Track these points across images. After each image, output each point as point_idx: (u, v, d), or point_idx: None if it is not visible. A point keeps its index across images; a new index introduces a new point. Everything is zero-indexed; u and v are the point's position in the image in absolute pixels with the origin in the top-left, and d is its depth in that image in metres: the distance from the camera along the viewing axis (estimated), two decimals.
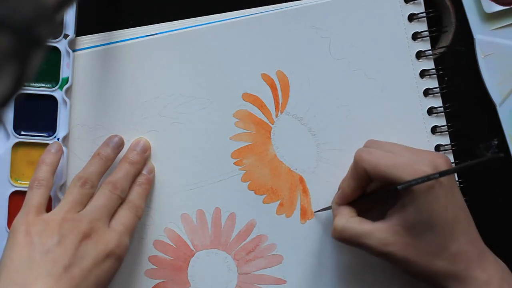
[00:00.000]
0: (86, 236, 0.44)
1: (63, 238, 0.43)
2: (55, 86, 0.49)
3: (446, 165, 0.45)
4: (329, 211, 0.50)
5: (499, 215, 0.49)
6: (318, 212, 0.51)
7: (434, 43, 0.53)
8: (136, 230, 0.51)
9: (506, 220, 0.52)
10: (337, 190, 0.51)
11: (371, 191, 0.48)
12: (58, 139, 0.49)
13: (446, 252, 0.44)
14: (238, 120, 0.51)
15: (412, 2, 0.52)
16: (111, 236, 0.45)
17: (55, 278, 0.42)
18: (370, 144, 0.48)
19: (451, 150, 0.52)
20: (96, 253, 0.44)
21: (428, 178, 0.41)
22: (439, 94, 0.52)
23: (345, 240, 0.47)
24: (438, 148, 0.52)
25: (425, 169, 0.43)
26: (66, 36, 0.49)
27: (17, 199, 0.49)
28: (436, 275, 0.45)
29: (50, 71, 0.49)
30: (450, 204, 0.44)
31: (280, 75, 0.51)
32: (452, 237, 0.44)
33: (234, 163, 0.51)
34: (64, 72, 0.50)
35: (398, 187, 0.42)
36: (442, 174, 0.41)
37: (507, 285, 0.45)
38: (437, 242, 0.44)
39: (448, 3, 0.52)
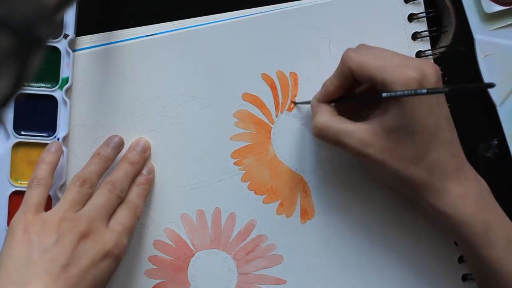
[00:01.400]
0: (84, 235, 0.44)
1: (61, 237, 0.43)
2: (55, 86, 0.49)
3: (434, 75, 0.44)
4: (308, 106, 0.50)
5: None
6: (299, 105, 0.51)
7: (434, 43, 0.53)
8: (136, 230, 0.51)
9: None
10: (337, 190, 0.51)
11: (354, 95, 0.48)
12: (58, 139, 0.49)
13: (423, 160, 0.44)
14: (238, 120, 0.51)
15: (412, 2, 0.52)
16: (109, 236, 0.45)
17: (53, 277, 0.42)
18: (360, 47, 0.47)
19: None
20: (94, 253, 0.44)
21: (415, 92, 0.41)
22: None
23: (325, 138, 0.46)
24: None
25: (413, 74, 0.42)
26: (66, 36, 0.49)
27: (17, 199, 0.49)
28: (411, 183, 0.45)
29: (50, 71, 0.49)
30: (434, 113, 0.44)
31: (280, 75, 0.51)
32: (431, 145, 0.44)
33: (234, 163, 0.51)
34: (64, 72, 0.50)
35: (383, 94, 0.42)
36: (431, 91, 0.41)
37: (482, 202, 0.45)
38: (415, 148, 0.44)
39: (448, 3, 0.52)
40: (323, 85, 0.48)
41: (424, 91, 0.41)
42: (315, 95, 0.48)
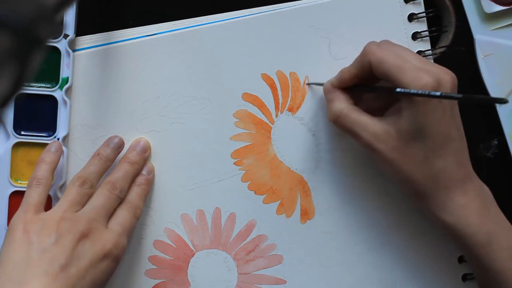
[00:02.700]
0: (84, 235, 0.44)
1: (60, 237, 0.43)
2: (55, 86, 0.49)
3: (450, 83, 0.44)
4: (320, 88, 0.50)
5: None
6: (311, 85, 0.51)
7: (434, 43, 0.53)
8: (136, 230, 0.51)
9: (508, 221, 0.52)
10: (337, 190, 0.51)
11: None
12: (58, 139, 0.49)
13: (430, 166, 0.44)
14: (238, 120, 0.51)
15: (412, 2, 0.52)
16: (108, 237, 0.45)
17: (52, 277, 0.42)
18: (383, 42, 0.47)
19: None
20: (93, 253, 0.44)
21: (428, 94, 0.41)
22: None
23: (340, 125, 0.47)
24: None
25: (429, 80, 0.42)
26: (66, 36, 0.49)
27: (17, 199, 0.49)
28: (415, 187, 0.45)
29: (50, 71, 0.49)
30: (446, 120, 0.44)
31: (280, 75, 0.51)
32: (439, 152, 0.44)
33: (234, 163, 0.51)
34: (64, 72, 0.50)
35: (397, 89, 0.42)
36: (444, 96, 0.41)
37: (486, 212, 0.45)
38: (424, 153, 0.44)
39: (448, 3, 0.52)
40: (340, 71, 0.48)
41: (438, 93, 0.41)
42: (329, 79, 0.49)
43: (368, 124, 0.45)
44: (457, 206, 0.45)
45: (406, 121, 0.44)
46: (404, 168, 0.45)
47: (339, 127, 0.47)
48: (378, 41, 0.47)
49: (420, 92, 0.42)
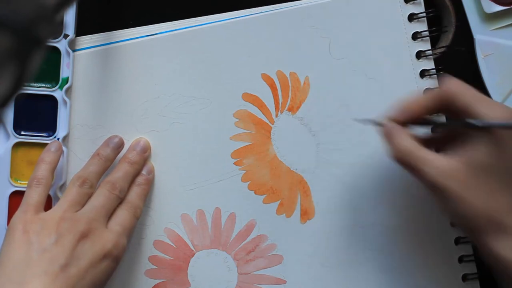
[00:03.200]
0: (84, 236, 0.44)
1: (60, 238, 0.43)
2: (55, 86, 0.49)
3: None
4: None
5: None
6: (358, 120, 0.49)
7: (434, 43, 0.53)
8: (136, 230, 0.51)
9: None
10: (337, 190, 0.51)
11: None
12: (58, 139, 0.49)
13: (500, 197, 0.42)
14: (238, 120, 0.51)
15: (412, 2, 0.52)
16: (108, 237, 0.45)
17: (52, 277, 0.42)
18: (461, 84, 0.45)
19: None
20: (93, 253, 0.44)
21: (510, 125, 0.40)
22: None
23: (405, 163, 0.44)
24: None
25: (503, 109, 0.41)
26: (66, 36, 0.49)
27: (17, 199, 0.49)
28: (479, 221, 0.43)
29: (50, 71, 0.49)
30: None
31: (280, 75, 0.51)
32: (510, 185, 0.42)
33: (234, 163, 0.51)
34: (64, 72, 0.50)
35: (481, 123, 0.41)
36: None
37: None
38: (493, 186, 0.42)
39: (448, 3, 0.52)
40: (403, 104, 0.45)
41: None
42: (385, 114, 0.46)
43: (434, 160, 0.43)
44: None
45: (482, 155, 0.42)
46: (472, 203, 0.43)
47: (402, 166, 0.44)
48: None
49: (504, 124, 0.40)
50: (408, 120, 0.45)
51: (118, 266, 0.46)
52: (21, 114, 0.50)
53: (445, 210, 0.45)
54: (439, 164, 0.43)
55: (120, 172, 0.48)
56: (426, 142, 0.45)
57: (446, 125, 0.47)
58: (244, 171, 0.51)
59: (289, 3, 0.51)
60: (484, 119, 0.41)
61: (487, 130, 0.42)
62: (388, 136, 0.45)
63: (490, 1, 0.51)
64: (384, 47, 0.52)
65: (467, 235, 0.46)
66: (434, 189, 0.43)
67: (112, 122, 0.50)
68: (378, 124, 0.46)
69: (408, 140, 0.44)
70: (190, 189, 0.51)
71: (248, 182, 0.52)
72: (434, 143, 0.46)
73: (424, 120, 0.45)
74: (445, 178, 0.43)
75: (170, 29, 0.51)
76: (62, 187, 0.50)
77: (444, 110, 0.45)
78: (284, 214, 0.52)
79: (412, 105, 0.45)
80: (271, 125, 0.52)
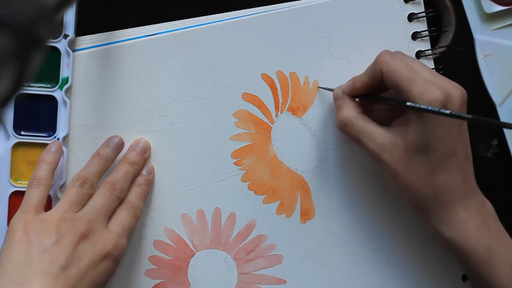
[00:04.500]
0: (84, 236, 0.44)
1: (60, 238, 0.43)
2: (55, 86, 0.49)
3: (460, 99, 0.44)
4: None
5: (499, 215, 0.49)
6: (321, 89, 0.51)
7: (434, 43, 0.53)
8: (136, 230, 0.51)
9: (507, 221, 0.52)
10: (337, 190, 0.51)
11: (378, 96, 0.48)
12: (58, 139, 0.49)
13: (433, 179, 0.44)
14: (238, 120, 0.51)
15: (412, 2, 0.52)
16: (108, 237, 0.45)
17: (52, 278, 0.42)
18: (397, 53, 0.47)
19: None
20: (93, 254, 0.44)
21: (438, 111, 0.41)
22: None
23: (347, 132, 0.47)
24: None
25: (438, 94, 0.42)
26: (66, 36, 0.49)
27: (17, 199, 0.49)
28: (418, 200, 0.45)
29: (50, 71, 0.49)
30: (453, 137, 0.44)
31: (280, 75, 0.51)
32: (443, 167, 0.44)
33: (234, 163, 0.51)
34: (64, 72, 0.49)
35: (408, 103, 0.43)
36: (454, 115, 0.41)
37: (486, 227, 0.45)
38: (428, 167, 0.44)
39: (448, 3, 0.52)
40: (352, 79, 0.48)
41: (448, 112, 0.41)
42: (340, 86, 0.49)
43: (375, 134, 0.46)
44: (458, 221, 0.45)
45: (413, 134, 0.44)
46: (407, 179, 0.45)
47: (346, 135, 0.47)
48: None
49: (430, 108, 0.42)
50: (354, 94, 0.48)
51: (118, 266, 0.46)
52: (21, 114, 0.50)
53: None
54: (379, 137, 0.45)
55: (120, 173, 0.48)
56: (377, 117, 0.47)
57: (381, 100, 0.48)
58: (244, 171, 0.51)
59: (289, 3, 0.51)
60: (415, 100, 0.43)
61: (416, 108, 0.43)
62: (336, 106, 0.48)
63: (490, 1, 0.51)
64: (384, 47, 0.51)
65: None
66: (374, 160, 0.46)
67: (112, 122, 0.50)
68: (333, 92, 0.49)
69: (351, 111, 0.47)
70: (190, 189, 0.51)
71: (248, 182, 0.52)
72: (385, 119, 0.47)
73: (366, 95, 0.48)
74: (383, 151, 0.45)
75: (170, 29, 0.51)
76: (62, 187, 0.50)
77: (386, 87, 0.47)
78: (284, 214, 0.52)
79: (356, 81, 0.48)
80: (271, 125, 0.52)
